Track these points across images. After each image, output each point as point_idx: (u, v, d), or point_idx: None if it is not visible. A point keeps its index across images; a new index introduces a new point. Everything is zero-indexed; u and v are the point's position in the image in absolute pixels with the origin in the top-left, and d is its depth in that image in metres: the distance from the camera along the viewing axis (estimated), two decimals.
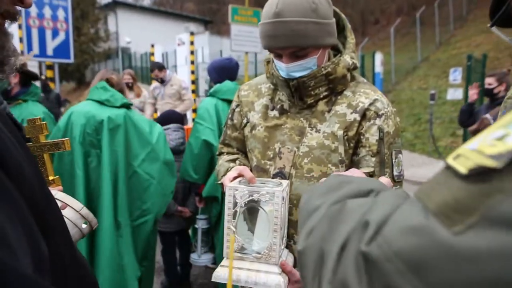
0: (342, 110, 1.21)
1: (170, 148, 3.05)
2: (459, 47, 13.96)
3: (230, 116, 1.44)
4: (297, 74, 1.18)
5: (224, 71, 2.91)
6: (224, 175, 1.33)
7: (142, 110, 5.69)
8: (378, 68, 10.30)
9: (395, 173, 1.20)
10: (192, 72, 9.11)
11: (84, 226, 0.92)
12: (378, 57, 9.98)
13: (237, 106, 1.41)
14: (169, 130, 3.14)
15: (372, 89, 1.25)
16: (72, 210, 0.90)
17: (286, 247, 1.20)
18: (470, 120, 4.22)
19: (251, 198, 1.05)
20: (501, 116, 1.57)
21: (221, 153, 1.49)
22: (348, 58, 1.22)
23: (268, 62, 1.32)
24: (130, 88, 5.59)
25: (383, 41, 17.42)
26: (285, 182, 1.13)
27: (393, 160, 1.20)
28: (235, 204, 1.06)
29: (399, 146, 1.23)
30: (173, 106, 5.58)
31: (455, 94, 7.80)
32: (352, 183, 0.57)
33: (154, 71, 5.68)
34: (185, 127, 3.39)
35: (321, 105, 1.24)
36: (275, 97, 1.32)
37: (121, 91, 2.38)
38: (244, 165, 1.36)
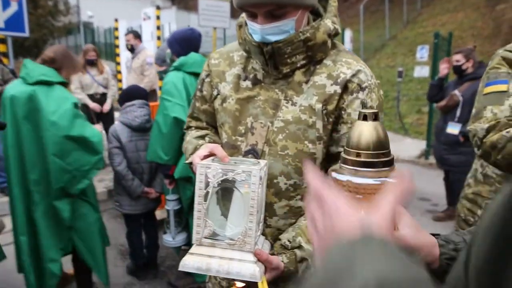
0: (322, 81, 1.10)
1: (135, 126, 2.92)
2: (426, 25, 14.19)
3: (199, 87, 1.31)
4: (273, 38, 1.06)
5: (187, 42, 2.76)
6: (192, 153, 1.22)
7: (106, 86, 5.46)
8: (348, 45, 10.28)
9: None
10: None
11: None
12: (348, 34, 9.96)
13: (207, 76, 1.28)
14: (133, 106, 2.98)
15: (354, 58, 1.14)
16: None
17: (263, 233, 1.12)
18: (438, 95, 4.27)
19: (225, 177, 0.94)
20: (482, 87, 1.56)
21: (189, 127, 1.37)
22: (329, 22, 1.10)
23: (240, 26, 1.18)
24: (94, 64, 5.39)
25: (352, 18, 17.43)
26: (263, 162, 1.03)
27: None
28: (207, 184, 0.95)
29: (382, 122, 1.15)
30: (137, 80, 5.39)
31: (421, 71, 7.92)
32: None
33: (128, 35, 5.58)
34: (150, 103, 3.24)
35: (298, 75, 1.12)
36: (248, 66, 1.20)
37: (59, 68, 2.39)
38: (214, 141, 1.25)
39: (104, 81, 5.50)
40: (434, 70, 6.58)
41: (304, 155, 1.10)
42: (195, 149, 1.21)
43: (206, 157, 1.05)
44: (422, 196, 4.84)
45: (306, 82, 1.11)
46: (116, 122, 3.03)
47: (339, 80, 1.09)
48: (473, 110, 1.53)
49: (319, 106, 1.08)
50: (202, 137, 1.27)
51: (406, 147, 7.26)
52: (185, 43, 2.75)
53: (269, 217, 1.14)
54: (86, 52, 5.41)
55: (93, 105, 5.38)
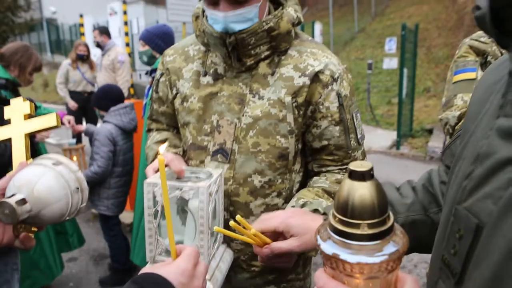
0: (289, 73, 1.07)
1: (130, 129, 2.90)
2: (393, 18, 14.48)
3: (154, 87, 1.25)
4: (237, 27, 1.00)
5: (169, 37, 2.72)
6: (153, 159, 1.18)
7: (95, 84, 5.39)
8: (318, 38, 10.37)
9: (358, 135, 1.13)
10: (127, 45, 8.53)
11: (75, 194, 0.78)
12: (318, 27, 10.03)
13: (161, 75, 1.22)
14: (126, 109, 2.94)
15: (319, 47, 1.12)
16: (67, 168, 0.78)
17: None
18: None
19: (173, 194, 0.90)
20: (451, 75, 1.59)
21: (150, 130, 1.32)
22: (292, 11, 1.07)
23: (197, 17, 1.12)
24: (85, 60, 5.27)
25: (322, 11, 17.57)
26: (217, 172, 0.99)
27: (355, 123, 1.12)
28: (156, 202, 0.91)
29: (356, 105, 1.14)
30: (109, 78, 5.25)
31: (390, 63, 8.09)
32: None
33: (94, 31, 5.44)
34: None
35: (263, 67, 1.08)
36: (207, 60, 1.14)
37: (7, 66, 2.30)
38: (175, 145, 1.20)
39: (94, 78, 5.39)
40: (402, 61, 6.73)
41: (277, 150, 1.08)
42: (156, 155, 1.17)
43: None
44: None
45: (272, 74, 1.08)
46: (107, 125, 2.87)
47: (307, 72, 1.06)
48: (443, 99, 1.56)
49: (288, 99, 1.05)
50: (162, 141, 1.22)
51: (378, 138, 7.41)
52: (167, 37, 2.71)
53: (245, 218, 1.12)
54: (76, 47, 5.32)
55: (71, 103, 5.22)
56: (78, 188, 0.79)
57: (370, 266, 0.42)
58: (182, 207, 0.95)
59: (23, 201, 0.70)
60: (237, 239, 0.92)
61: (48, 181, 0.74)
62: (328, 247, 0.44)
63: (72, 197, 0.78)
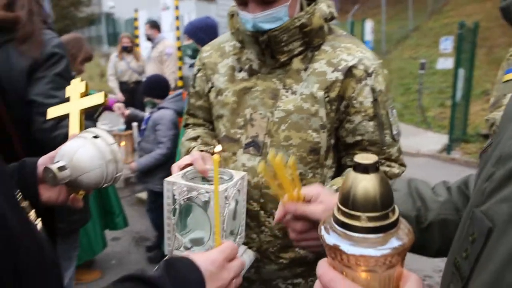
0: (322, 68, 1.06)
1: (182, 113, 3.04)
2: (451, 16, 13.74)
3: (192, 83, 1.29)
4: (267, 26, 1.02)
5: (213, 30, 2.76)
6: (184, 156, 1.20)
7: (141, 73, 5.67)
8: (368, 36, 10.08)
9: (394, 132, 1.10)
10: (178, 39, 8.78)
11: (110, 164, 0.85)
12: (369, 24, 9.74)
13: (199, 70, 1.25)
14: (181, 96, 3.15)
15: (353, 42, 1.10)
16: (104, 141, 0.86)
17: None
18: None
19: (189, 195, 0.92)
20: (502, 74, 1.48)
21: (187, 125, 1.35)
22: (324, 6, 1.07)
23: (232, 16, 1.15)
24: (129, 51, 5.56)
25: (374, 9, 17.03)
26: (238, 175, 0.99)
27: (390, 119, 1.09)
28: (175, 200, 0.94)
29: (391, 101, 1.12)
30: (157, 69, 5.45)
31: (445, 63, 7.68)
32: None
33: (146, 25, 5.78)
34: (170, 92, 3.31)
35: (296, 63, 1.09)
36: (242, 57, 1.16)
37: None
38: (206, 143, 1.20)
39: (140, 68, 5.64)
40: (459, 61, 6.36)
41: (309, 144, 1.07)
42: (187, 152, 1.19)
43: (187, 166, 1.03)
44: None
45: (305, 70, 1.08)
46: (167, 111, 3.08)
47: (340, 67, 1.05)
48: (492, 99, 1.46)
49: (321, 93, 1.05)
50: (195, 138, 1.24)
51: (427, 141, 7.08)
52: (211, 30, 2.74)
53: (274, 209, 1.11)
54: (121, 40, 5.65)
55: (119, 95, 5.49)
56: (112, 159, 0.86)
57: (367, 259, 0.41)
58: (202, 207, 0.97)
59: (63, 168, 0.80)
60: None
61: (86, 151, 0.83)
62: (329, 237, 0.44)
63: (107, 166, 0.85)
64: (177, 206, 0.94)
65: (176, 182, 0.94)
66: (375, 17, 13.41)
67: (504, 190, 0.44)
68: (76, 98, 1.03)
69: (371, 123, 1.06)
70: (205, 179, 1.02)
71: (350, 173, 0.45)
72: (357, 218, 0.43)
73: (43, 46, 1.40)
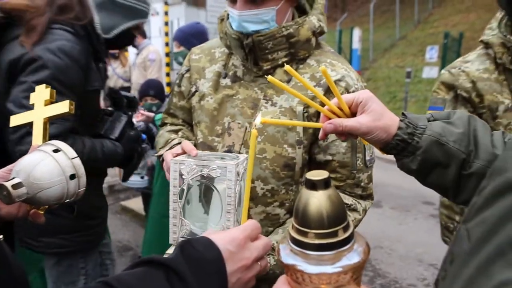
0: None
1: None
2: (437, 26, 13.99)
3: (177, 81, 1.26)
4: (251, 27, 1.01)
5: (204, 35, 2.77)
6: (163, 146, 1.19)
7: (127, 80, 5.54)
8: (356, 44, 10.20)
9: (367, 157, 1.08)
10: (167, 44, 8.76)
11: (71, 180, 0.81)
12: (356, 33, 9.87)
13: (187, 71, 1.24)
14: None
15: (339, 60, 1.10)
16: (64, 155, 0.81)
17: None
18: None
19: (200, 173, 0.89)
20: (427, 108, 1.50)
21: (164, 124, 1.33)
22: (314, 19, 1.06)
23: (222, 20, 1.14)
24: (116, 57, 5.45)
25: (362, 17, 17.27)
26: (242, 156, 0.97)
27: (365, 144, 1.07)
28: (182, 181, 0.91)
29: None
30: (141, 76, 5.41)
31: (430, 72, 7.82)
32: None
33: None
34: None
35: (280, 74, 1.07)
36: (228, 63, 1.15)
37: None
38: (187, 138, 1.21)
39: (125, 74, 5.56)
40: None
41: (283, 159, 1.06)
42: (166, 142, 1.18)
43: (180, 154, 1.00)
44: (426, 200, 4.76)
45: (288, 82, 1.06)
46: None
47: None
48: None
49: (300, 108, 1.04)
50: (175, 131, 1.23)
51: None
52: (202, 36, 2.74)
53: None
54: None
55: (103, 102, 5.44)
56: (74, 174, 0.81)
57: (319, 276, 0.41)
58: (205, 190, 0.93)
59: (19, 185, 0.75)
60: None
61: (45, 166, 0.78)
62: (284, 255, 0.45)
63: (68, 182, 0.80)
64: (184, 187, 0.90)
65: (185, 160, 0.90)
66: (363, 26, 13.59)
67: (485, 211, 0.43)
68: (40, 106, 0.96)
69: (344, 144, 1.04)
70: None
71: (303, 189, 0.45)
72: (305, 234, 0.43)
73: (37, 45, 1.29)
